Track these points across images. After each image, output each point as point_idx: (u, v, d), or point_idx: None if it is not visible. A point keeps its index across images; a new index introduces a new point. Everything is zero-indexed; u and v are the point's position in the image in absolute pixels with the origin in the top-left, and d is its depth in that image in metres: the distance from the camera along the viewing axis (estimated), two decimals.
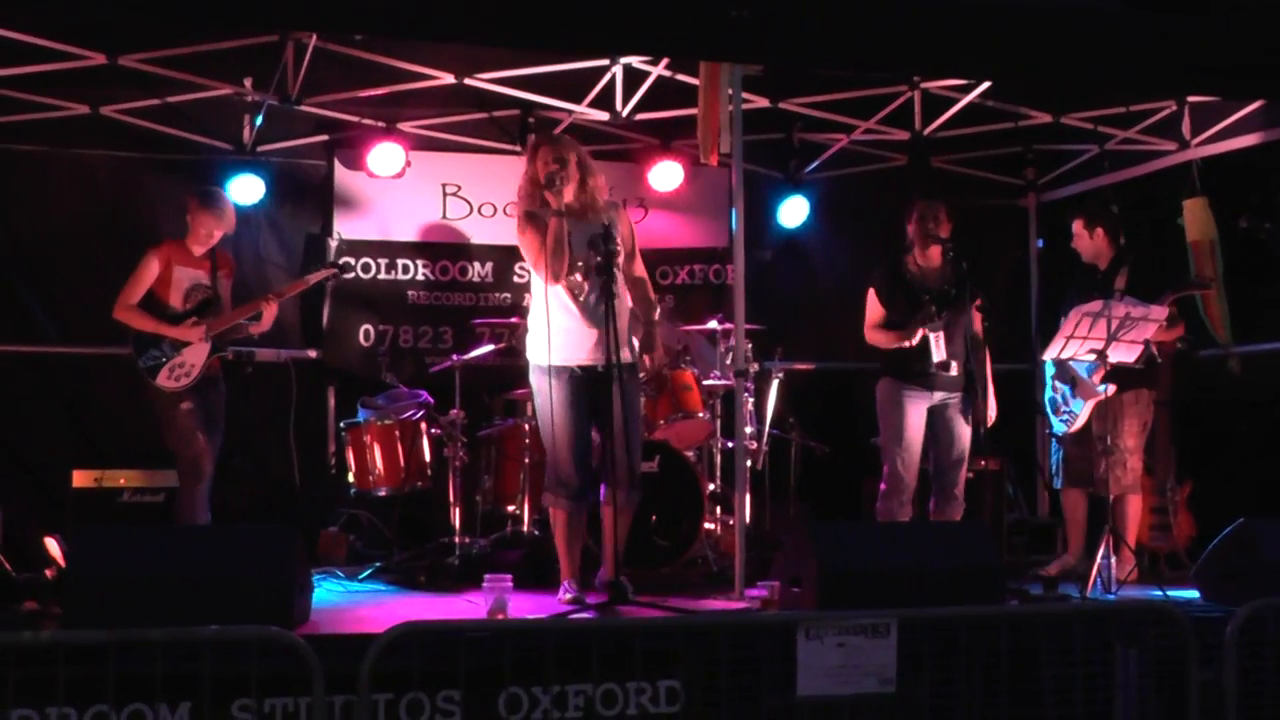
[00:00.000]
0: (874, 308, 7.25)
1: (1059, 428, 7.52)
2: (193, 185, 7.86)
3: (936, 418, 7.09)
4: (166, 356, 7.19)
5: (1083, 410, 7.30)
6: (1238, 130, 8.29)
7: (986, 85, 8.24)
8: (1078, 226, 7.60)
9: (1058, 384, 7.50)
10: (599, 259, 6.17)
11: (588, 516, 6.55)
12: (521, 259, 6.83)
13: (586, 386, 6.34)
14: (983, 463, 7.98)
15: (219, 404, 7.38)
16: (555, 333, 6.27)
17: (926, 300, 7.03)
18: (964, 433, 7.09)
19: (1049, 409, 7.59)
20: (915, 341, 7.00)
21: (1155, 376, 7.40)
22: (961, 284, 7.08)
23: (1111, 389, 7.01)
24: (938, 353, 7.00)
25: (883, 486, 7.10)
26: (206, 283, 7.35)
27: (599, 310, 6.22)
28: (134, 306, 7.22)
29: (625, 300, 6.38)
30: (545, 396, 6.33)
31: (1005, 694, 4.82)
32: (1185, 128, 8.64)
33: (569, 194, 6.31)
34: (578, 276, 6.29)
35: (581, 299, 6.31)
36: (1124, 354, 6.90)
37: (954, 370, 7.04)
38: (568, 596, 6.33)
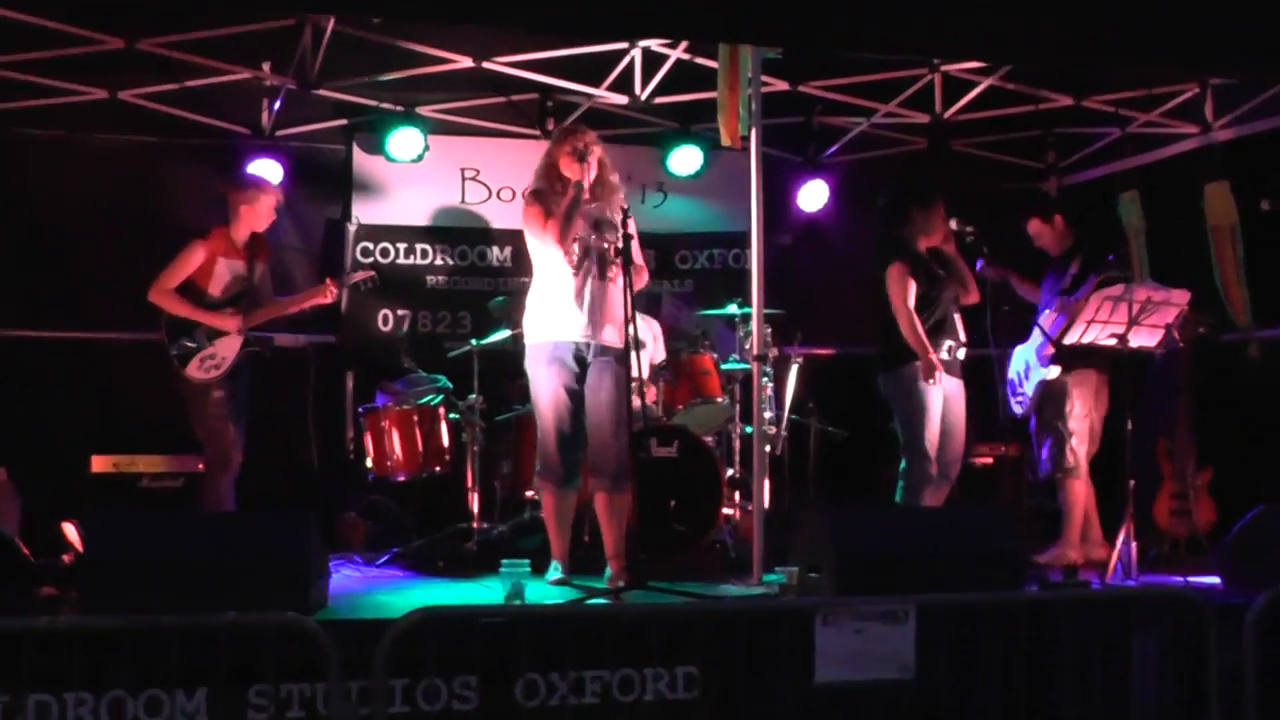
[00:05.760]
0: (905, 285, 7.00)
1: (1015, 410, 7.51)
2: (211, 170, 7.95)
3: (947, 405, 7.02)
4: (199, 346, 7.12)
5: (1033, 392, 7.30)
6: (1261, 113, 8.22)
7: (1007, 68, 8.19)
8: (1034, 225, 7.66)
9: (1018, 366, 7.50)
10: (602, 243, 6.38)
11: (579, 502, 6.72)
12: None
13: (578, 373, 6.42)
14: (1002, 448, 7.92)
15: (245, 392, 7.35)
16: (552, 310, 6.41)
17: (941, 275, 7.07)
18: (963, 421, 7.08)
19: (1009, 391, 7.57)
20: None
21: (1104, 358, 7.18)
22: (950, 267, 7.14)
23: (1057, 370, 7.02)
24: (961, 334, 7.03)
25: (930, 470, 6.92)
26: (244, 274, 7.26)
27: (593, 291, 6.37)
28: (171, 291, 7.11)
29: (619, 286, 6.41)
30: (537, 383, 6.46)
31: (1024, 680, 4.81)
32: (1208, 110, 8.58)
33: (588, 179, 6.42)
34: (576, 248, 6.39)
35: (578, 276, 6.40)
36: (1145, 338, 6.86)
37: (962, 354, 7.10)
38: (555, 578, 6.43)
